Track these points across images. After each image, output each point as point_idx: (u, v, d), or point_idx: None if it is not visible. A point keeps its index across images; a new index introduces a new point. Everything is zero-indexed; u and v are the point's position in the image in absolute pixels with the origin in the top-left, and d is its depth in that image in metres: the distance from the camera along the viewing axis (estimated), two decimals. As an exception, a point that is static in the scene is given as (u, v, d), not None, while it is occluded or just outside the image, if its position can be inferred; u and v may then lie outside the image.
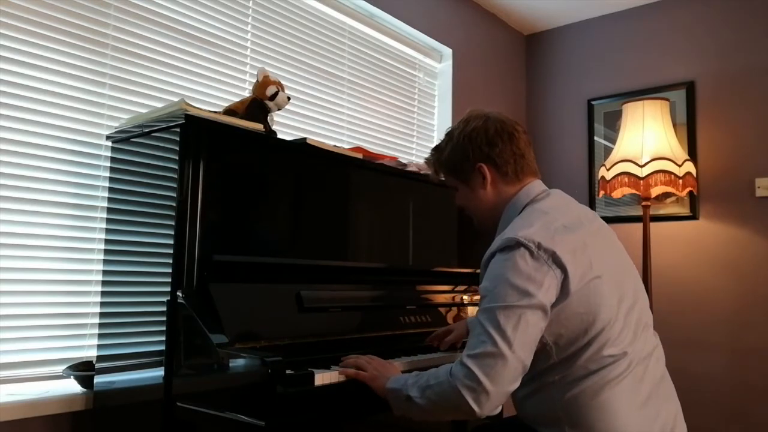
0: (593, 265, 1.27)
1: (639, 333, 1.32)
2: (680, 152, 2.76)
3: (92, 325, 1.71)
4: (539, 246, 1.23)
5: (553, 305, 1.23)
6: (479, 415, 1.19)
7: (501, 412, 1.29)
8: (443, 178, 1.55)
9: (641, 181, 2.69)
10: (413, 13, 2.86)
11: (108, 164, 1.72)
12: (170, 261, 1.41)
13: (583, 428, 1.24)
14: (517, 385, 1.22)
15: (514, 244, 1.25)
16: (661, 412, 1.30)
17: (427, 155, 1.59)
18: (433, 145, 3.15)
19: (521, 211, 1.39)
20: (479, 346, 1.20)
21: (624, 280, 1.36)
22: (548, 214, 1.34)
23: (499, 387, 1.18)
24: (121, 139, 1.67)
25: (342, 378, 1.37)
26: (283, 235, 1.66)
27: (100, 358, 1.64)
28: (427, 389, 1.26)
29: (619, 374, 1.25)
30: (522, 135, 1.45)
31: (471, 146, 1.44)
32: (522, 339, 1.19)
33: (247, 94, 1.96)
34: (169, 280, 1.40)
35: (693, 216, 2.98)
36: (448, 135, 1.51)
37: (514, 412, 1.44)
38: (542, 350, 1.27)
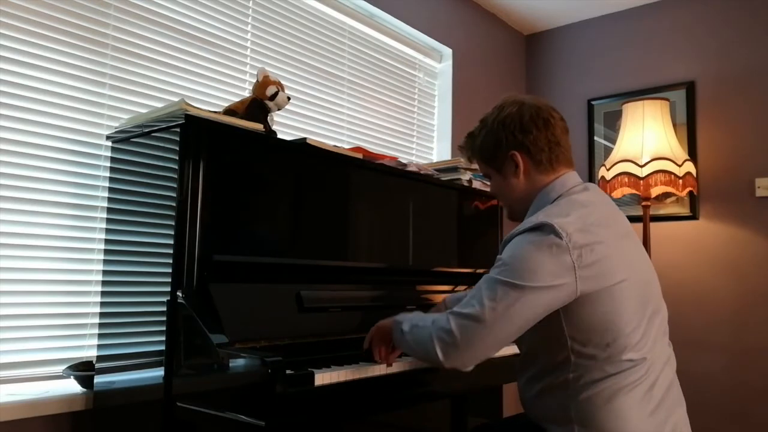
0: (622, 267, 1.26)
1: (658, 340, 1.32)
2: (680, 152, 2.76)
3: (92, 325, 1.71)
4: (571, 238, 1.21)
5: (576, 300, 1.22)
6: (444, 364, 1.25)
7: (501, 411, 1.30)
8: (476, 166, 1.52)
9: (641, 181, 2.69)
10: (413, 13, 2.86)
11: (108, 164, 1.72)
12: (170, 261, 1.41)
13: (593, 430, 1.24)
14: (490, 354, 1.24)
15: (547, 229, 1.22)
16: (671, 418, 1.30)
17: (461, 142, 1.55)
18: (432, 145, 3.17)
19: (554, 201, 1.36)
20: (468, 307, 1.24)
21: (650, 286, 1.35)
22: (586, 208, 1.31)
23: (469, 349, 1.23)
24: (121, 139, 1.67)
25: (342, 378, 1.37)
26: (283, 235, 1.66)
27: (100, 358, 1.64)
28: (414, 328, 1.33)
29: (635, 380, 1.24)
30: (558, 122, 1.41)
31: (504, 133, 1.40)
32: (511, 317, 1.21)
33: (247, 94, 1.96)
34: (169, 280, 1.40)
35: (693, 216, 2.99)
36: (482, 122, 1.47)
37: (515, 411, 1.44)
38: (558, 342, 1.26)
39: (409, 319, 1.37)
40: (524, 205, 1.42)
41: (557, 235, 1.21)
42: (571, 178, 1.40)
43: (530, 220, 1.28)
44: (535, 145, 1.38)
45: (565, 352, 1.26)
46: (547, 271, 1.20)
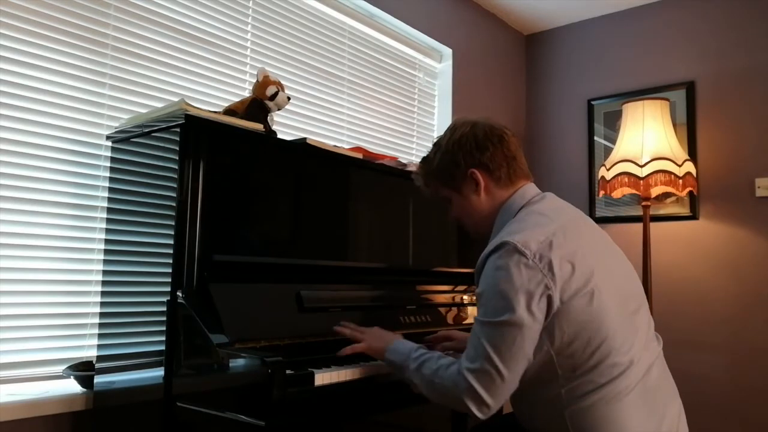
0: (593, 273, 1.25)
1: (644, 339, 1.30)
2: (680, 152, 2.76)
3: (92, 325, 1.71)
4: (535, 254, 1.21)
5: (552, 313, 1.21)
6: (482, 418, 1.24)
7: (501, 409, 1.29)
8: (433, 191, 1.50)
9: (641, 181, 2.69)
10: (413, 13, 2.86)
11: (108, 164, 1.72)
12: (170, 261, 1.41)
13: None
14: (514, 388, 1.23)
15: (511, 249, 1.22)
16: (667, 414, 1.29)
17: (413, 175, 1.55)
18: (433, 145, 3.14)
19: (516, 214, 1.36)
20: (477, 361, 1.22)
21: (626, 285, 1.34)
22: (545, 217, 1.32)
23: (498, 399, 1.22)
24: (121, 139, 1.67)
25: (342, 378, 1.37)
26: (283, 235, 1.66)
27: (100, 358, 1.64)
28: (431, 385, 1.29)
29: (627, 386, 1.23)
30: (512, 138, 1.43)
31: (461, 152, 1.40)
32: (517, 354, 1.20)
33: (247, 94, 1.96)
34: (169, 280, 1.40)
35: (693, 216, 2.98)
36: (436, 145, 1.48)
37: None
38: (545, 357, 1.25)
39: (414, 369, 1.32)
40: (488, 221, 1.42)
41: (522, 254, 1.21)
42: (529, 189, 1.41)
43: (494, 241, 1.29)
44: (493, 161, 1.39)
45: (551, 367, 1.25)
46: (524, 293, 1.19)
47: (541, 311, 1.20)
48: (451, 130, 1.45)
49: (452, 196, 1.45)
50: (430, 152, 1.49)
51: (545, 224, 1.28)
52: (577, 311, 1.22)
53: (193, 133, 1.45)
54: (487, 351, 1.21)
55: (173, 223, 1.42)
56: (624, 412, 1.22)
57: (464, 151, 1.40)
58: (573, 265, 1.23)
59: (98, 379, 1.62)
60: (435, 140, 1.49)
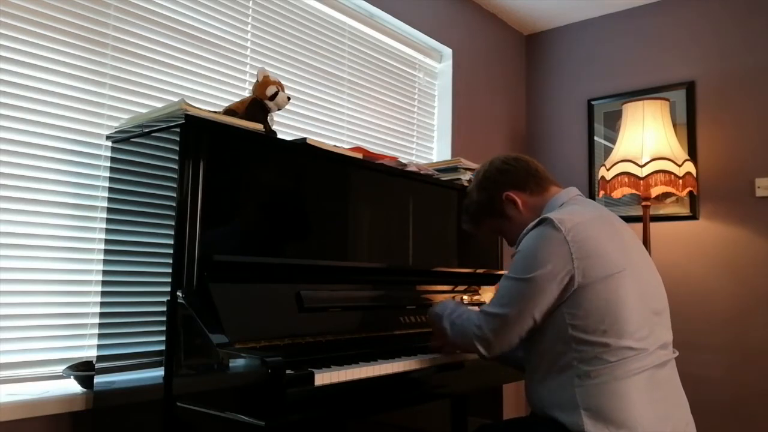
0: (619, 263, 1.35)
1: (660, 340, 1.38)
2: (680, 152, 2.76)
3: (92, 325, 1.71)
4: (569, 231, 1.34)
5: (573, 289, 1.32)
6: (486, 357, 1.44)
7: (501, 411, 1.32)
8: (486, 229, 1.66)
9: (641, 181, 2.69)
10: (413, 13, 2.86)
11: (108, 164, 1.72)
12: (170, 261, 1.41)
13: (598, 414, 1.28)
14: (520, 337, 1.38)
15: (548, 223, 1.37)
16: (672, 417, 1.34)
17: (463, 224, 1.72)
18: (432, 145, 3.18)
19: (559, 208, 1.48)
20: (495, 307, 1.41)
21: (650, 287, 1.43)
22: (585, 208, 1.46)
23: (502, 341, 1.40)
24: (121, 139, 1.67)
25: (342, 378, 1.37)
26: (283, 235, 1.66)
27: (100, 358, 1.64)
28: (454, 326, 1.51)
29: (637, 367, 1.30)
30: (527, 157, 1.62)
31: (490, 184, 1.58)
32: (525, 310, 1.35)
33: (247, 94, 1.96)
34: (169, 280, 1.40)
35: (693, 216, 2.98)
36: (468, 192, 1.67)
37: (515, 412, 1.45)
38: (559, 328, 1.34)
39: (448, 315, 1.54)
40: None
41: (556, 228, 1.34)
42: (568, 191, 1.55)
43: (536, 220, 1.42)
44: (518, 178, 1.56)
45: (565, 338, 1.33)
46: (548, 258, 1.33)
47: (560, 283, 1.32)
48: (475, 174, 1.65)
49: (502, 223, 1.60)
50: (466, 200, 1.67)
51: (583, 212, 1.42)
52: (596, 290, 1.31)
53: (193, 133, 1.45)
54: (501, 299, 1.40)
55: (173, 223, 1.42)
56: (631, 390, 1.29)
57: (491, 181, 1.58)
58: (600, 251, 1.34)
59: (98, 379, 1.62)
60: (466, 191, 1.67)
